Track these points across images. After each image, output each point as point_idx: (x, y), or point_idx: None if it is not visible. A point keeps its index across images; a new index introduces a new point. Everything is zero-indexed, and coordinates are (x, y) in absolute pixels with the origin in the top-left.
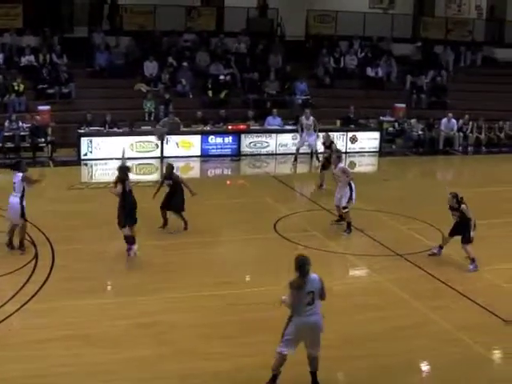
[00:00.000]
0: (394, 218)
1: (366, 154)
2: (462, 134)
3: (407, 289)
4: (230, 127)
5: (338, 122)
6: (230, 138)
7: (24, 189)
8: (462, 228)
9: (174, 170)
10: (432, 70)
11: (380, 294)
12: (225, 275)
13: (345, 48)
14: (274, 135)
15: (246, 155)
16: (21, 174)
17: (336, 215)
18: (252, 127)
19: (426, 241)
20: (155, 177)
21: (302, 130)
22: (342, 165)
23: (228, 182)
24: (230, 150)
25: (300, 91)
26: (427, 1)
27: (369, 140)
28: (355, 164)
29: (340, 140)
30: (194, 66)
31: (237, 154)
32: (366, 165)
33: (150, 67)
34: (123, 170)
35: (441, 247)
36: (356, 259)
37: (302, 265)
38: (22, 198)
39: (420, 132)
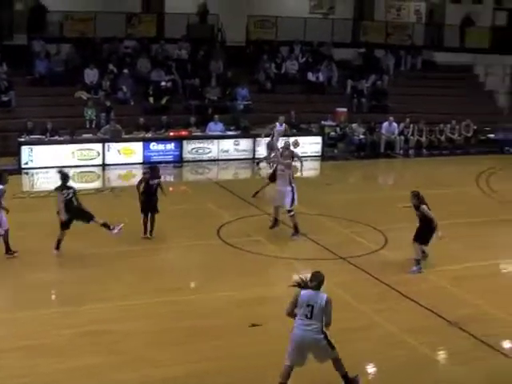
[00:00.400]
0: (337, 222)
1: (308, 158)
2: (403, 138)
3: (351, 292)
4: (171, 134)
5: None
6: (172, 144)
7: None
8: (422, 228)
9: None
10: (373, 74)
11: None
12: (171, 282)
13: (285, 53)
14: (215, 141)
15: (188, 162)
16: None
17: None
18: (194, 133)
19: (368, 244)
20: (97, 185)
21: (273, 136)
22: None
23: (170, 189)
24: (172, 156)
25: (241, 97)
26: (367, 5)
27: (311, 145)
28: (297, 169)
29: (281, 145)
30: (135, 72)
31: (179, 161)
32: (308, 169)
33: (91, 74)
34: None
35: (423, 252)
36: (299, 263)
37: (313, 275)
38: None
39: (361, 136)
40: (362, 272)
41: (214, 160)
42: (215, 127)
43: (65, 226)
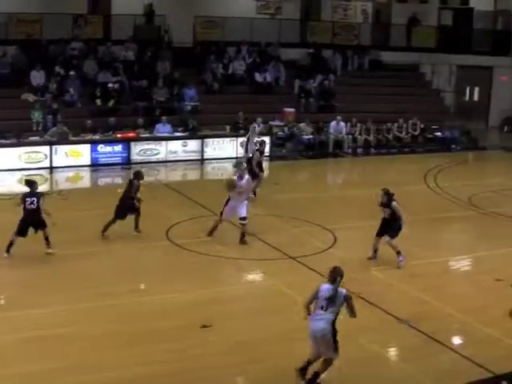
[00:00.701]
0: (286, 222)
1: None
2: (350, 137)
3: (301, 291)
4: (119, 135)
5: (228, 128)
6: (120, 146)
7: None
8: (389, 225)
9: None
10: (320, 74)
11: (274, 298)
12: (119, 284)
13: (233, 54)
14: (163, 142)
15: (136, 163)
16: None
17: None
18: (142, 135)
19: (318, 243)
20: (45, 188)
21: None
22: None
23: (119, 190)
24: (120, 158)
25: (189, 98)
26: (314, 6)
27: None
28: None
29: (230, 146)
30: (82, 74)
31: (127, 163)
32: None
33: (37, 77)
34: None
35: (375, 251)
36: (250, 264)
37: (332, 270)
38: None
39: (310, 136)
40: (311, 271)
41: (163, 161)
42: (163, 128)
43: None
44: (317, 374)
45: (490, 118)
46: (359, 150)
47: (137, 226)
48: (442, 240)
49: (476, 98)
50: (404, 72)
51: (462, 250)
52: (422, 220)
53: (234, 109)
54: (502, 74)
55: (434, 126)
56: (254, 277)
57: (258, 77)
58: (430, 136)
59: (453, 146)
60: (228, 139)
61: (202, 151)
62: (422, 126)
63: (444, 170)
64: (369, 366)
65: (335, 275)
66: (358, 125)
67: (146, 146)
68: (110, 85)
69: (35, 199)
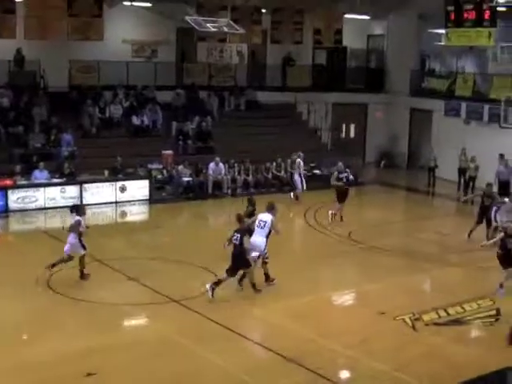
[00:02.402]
0: (168, 264)
1: (136, 202)
2: (229, 177)
3: (186, 334)
4: None
5: (106, 173)
6: None
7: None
8: None
9: None
10: (197, 116)
11: (160, 342)
12: None
13: (109, 97)
14: (41, 189)
15: (14, 211)
16: (78, 218)
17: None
18: (18, 182)
19: (200, 285)
20: None
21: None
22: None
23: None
24: None
25: (66, 143)
26: (189, 48)
27: (138, 189)
28: (126, 214)
29: (109, 190)
30: None
31: (4, 211)
32: (136, 214)
33: None
34: None
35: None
36: (132, 309)
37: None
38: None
39: (189, 177)
40: (195, 314)
41: (42, 208)
42: (40, 175)
43: None
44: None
45: (367, 153)
46: (239, 190)
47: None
48: (324, 276)
49: (352, 134)
50: (281, 111)
51: (345, 284)
52: (304, 257)
53: (112, 152)
54: (377, 110)
55: (312, 164)
56: (138, 322)
57: (136, 120)
58: (309, 174)
59: (333, 183)
60: (107, 184)
61: (81, 196)
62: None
63: (324, 206)
64: None
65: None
66: (237, 165)
67: (24, 194)
68: None
69: None
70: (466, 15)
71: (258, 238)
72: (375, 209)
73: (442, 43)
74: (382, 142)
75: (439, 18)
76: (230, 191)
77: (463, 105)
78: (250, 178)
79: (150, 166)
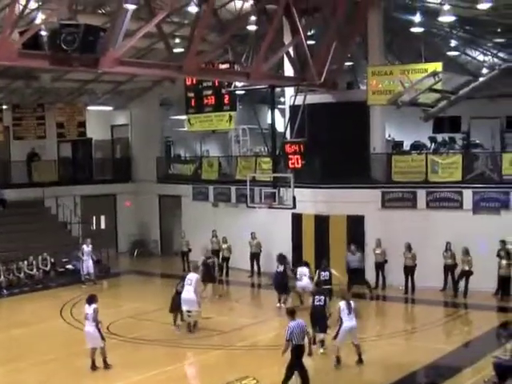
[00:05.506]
0: None
1: None
2: None
3: None
4: None
5: None
6: None
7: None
8: None
9: None
10: None
11: None
12: None
13: None
14: None
15: None
16: (95, 306)
17: None
18: None
19: None
20: None
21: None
22: None
23: None
24: None
25: None
26: None
27: None
28: None
29: None
30: None
31: None
32: None
33: None
34: None
35: None
36: None
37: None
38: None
39: None
40: None
41: None
42: None
43: None
44: None
45: (120, 243)
46: None
47: None
48: (80, 374)
49: (103, 225)
50: (29, 208)
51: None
52: (59, 358)
53: None
54: (126, 199)
55: (64, 259)
56: None
57: None
58: (61, 270)
59: (86, 277)
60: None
61: None
62: (53, 260)
63: (80, 302)
64: None
65: None
66: None
67: None
68: None
69: None
70: (206, 101)
71: None
72: (133, 299)
73: (185, 129)
74: (134, 231)
75: (181, 105)
76: None
77: (210, 188)
78: (2, 278)
79: None
